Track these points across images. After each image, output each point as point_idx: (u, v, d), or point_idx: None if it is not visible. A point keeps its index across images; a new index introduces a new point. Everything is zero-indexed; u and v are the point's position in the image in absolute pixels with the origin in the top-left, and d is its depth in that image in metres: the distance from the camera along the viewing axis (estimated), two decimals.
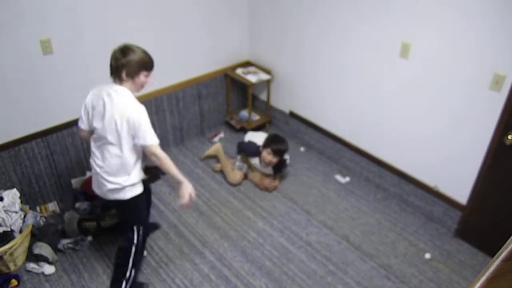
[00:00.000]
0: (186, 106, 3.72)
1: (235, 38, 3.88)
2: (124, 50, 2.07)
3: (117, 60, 2.06)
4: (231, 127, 4.12)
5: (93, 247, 2.78)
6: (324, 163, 3.67)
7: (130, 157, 2.18)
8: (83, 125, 2.25)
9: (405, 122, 2.97)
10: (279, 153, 3.19)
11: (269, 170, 3.34)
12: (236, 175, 3.34)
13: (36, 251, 2.60)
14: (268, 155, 3.18)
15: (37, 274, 2.59)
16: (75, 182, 3.15)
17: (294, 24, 3.47)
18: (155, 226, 2.92)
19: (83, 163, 3.18)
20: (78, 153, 3.12)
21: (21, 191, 2.81)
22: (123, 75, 2.08)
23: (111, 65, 2.09)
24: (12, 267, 2.56)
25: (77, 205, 3.00)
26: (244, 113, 4.10)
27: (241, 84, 3.96)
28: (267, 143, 3.21)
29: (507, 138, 2.41)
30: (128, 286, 2.36)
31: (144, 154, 2.26)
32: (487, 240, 2.75)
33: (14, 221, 2.59)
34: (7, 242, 2.47)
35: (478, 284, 0.62)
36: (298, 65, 3.62)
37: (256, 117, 4.08)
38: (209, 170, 3.53)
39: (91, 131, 2.24)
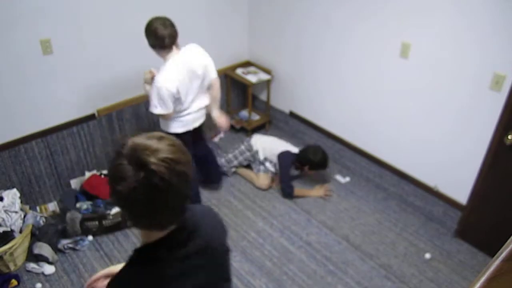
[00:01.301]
0: None
1: (235, 38, 3.88)
2: (169, 21, 2.34)
3: (173, 29, 2.32)
4: (231, 127, 4.11)
5: (93, 247, 2.78)
6: None
7: None
8: (170, 109, 2.49)
9: (405, 122, 2.97)
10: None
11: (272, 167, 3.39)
12: (265, 179, 3.32)
13: (36, 251, 2.60)
14: (309, 171, 3.34)
15: (37, 274, 2.59)
16: (74, 182, 3.15)
17: (294, 24, 3.47)
18: None
19: (83, 163, 3.18)
20: (78, 153, 3.12)
21: (21, 191, 2.81)
22: (177, 41, 2.36)
23: (169, 35, 2.30)
24: (12, 267, 2.56)
25: (78, 205, 2.99)
26: (244, 113, 4.10)
27: (241, 84, 3.96)
28: (318, 165, 3.26)
29: (507, 138, 2.41)
30: None
31: None
32: (487, 240, 2.75)
33: (14, 221, 2.59)
34: (7, 242, 2.47)
35: (478, 284, 0.62)
36: (298, 65, 3.62)
37: (256, 117, 4.08)
38: None
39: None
